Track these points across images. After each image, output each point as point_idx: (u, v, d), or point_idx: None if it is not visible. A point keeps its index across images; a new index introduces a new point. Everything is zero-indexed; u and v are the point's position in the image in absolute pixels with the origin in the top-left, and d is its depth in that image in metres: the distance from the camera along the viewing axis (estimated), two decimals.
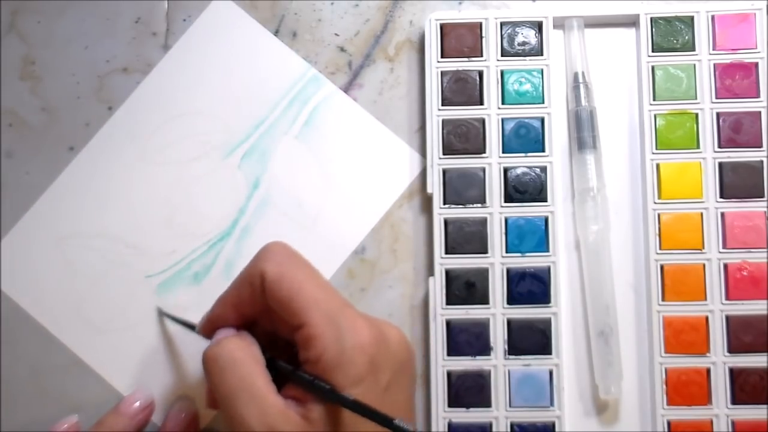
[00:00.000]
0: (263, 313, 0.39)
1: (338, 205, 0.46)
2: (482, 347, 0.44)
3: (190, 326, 0.42)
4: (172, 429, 0.44)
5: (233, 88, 0.47)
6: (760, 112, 0.45)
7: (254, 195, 0.46)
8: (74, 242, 0.47)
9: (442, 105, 0.46)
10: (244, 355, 0.38)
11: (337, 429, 0.36)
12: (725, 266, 0.44)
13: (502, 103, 0.46)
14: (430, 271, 0.45)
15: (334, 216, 0.46)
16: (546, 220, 0.45)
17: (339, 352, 0.36)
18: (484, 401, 0.44)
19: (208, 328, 0.40)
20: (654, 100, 0.45)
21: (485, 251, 0.45)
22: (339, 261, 0.46)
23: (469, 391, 0.44)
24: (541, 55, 0.46)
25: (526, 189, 0.45)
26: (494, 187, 0.45)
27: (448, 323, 0.44)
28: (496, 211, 0.45)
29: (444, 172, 0.45)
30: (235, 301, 0.39)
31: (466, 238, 0.45)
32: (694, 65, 0.45)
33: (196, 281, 0.46)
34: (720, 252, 0.44)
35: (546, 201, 0.45)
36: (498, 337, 0.44)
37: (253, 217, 0.46)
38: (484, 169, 0.45)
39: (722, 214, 0.44)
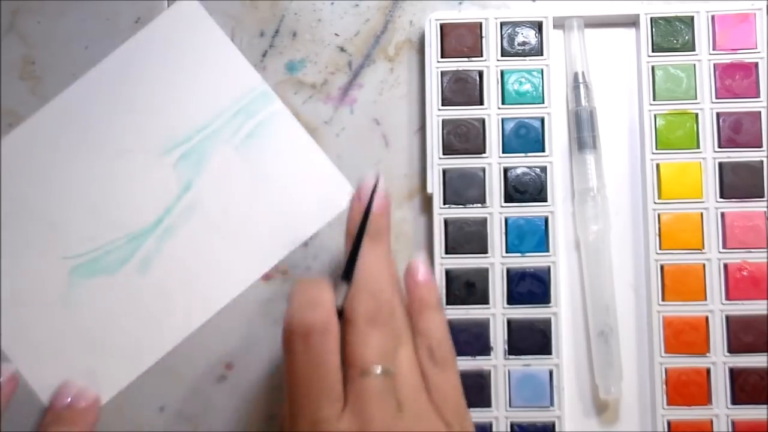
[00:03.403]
0: None
1: (262, 222, 0.46)
2: (482, 347, 0.44)
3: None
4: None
5: (183, 88, 0.47)
6: (760, 112, 0.45)
7: (184, 197, 0.46)
8: None
9: (442, 105, 0.46)
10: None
11: None
12: (725, 266, 0.44)
13: (502, 103, 0.46)
14: None
15: (256, 232, 0.46)
16: (546, 220, 0.45)
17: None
18: (484, 401, 0.44)
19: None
20: (654, 100, 0.45)
21: (485, 251, 0.45)
22: (250, 279, 0.46)
23: (469, 391, 0.44)
24: (541, 55, 0.46)
25: (526, 189, 0.45)
26: (494, 187, 0.45)
27: (448, 323, 0.44)
28: (496, 211, 0.45)
29: (444, 172, 0.45)
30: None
31: (466, 238, 0.45)
32: (694, 65, 0.45)
33: (109, 272, 0.46)
34: (720, 252, 0.44)
35: (546, 201, 0.45)
36: (498, 337, 0.44)
37: (178, 219, 0.46)
38: (484, 169, 0.45)
39: (722, 214, 0.44)
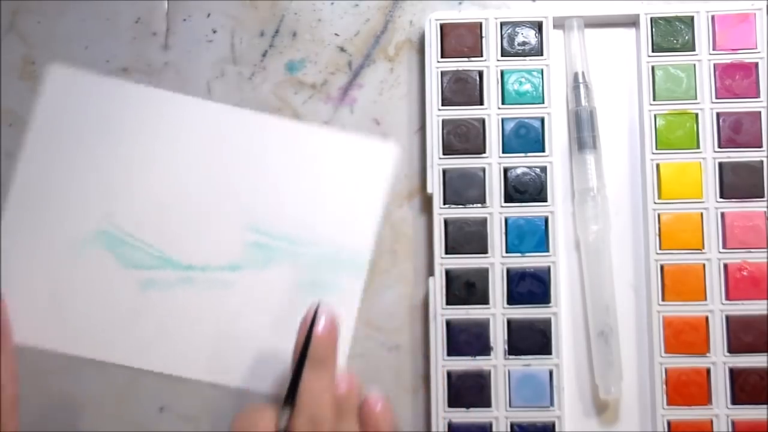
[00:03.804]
0: None
1: (273, 351, 0.46)
2: (482, 347, 0.44)
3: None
4: None
5: (316, 195, 0.46)
6: (760, 112, 0.45)
7: (222, 272, 0.46)
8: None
9: (442, 105, 0.46)
10: None
11: None
12: (725, 266, 0.44)
13: (502, 103, 0.46)
14: (430, 271, 0.45)
15: (257, 352, 0.46)
16: (546, 220, 0.45)
17: None
18: (484, 401, 0.44)
19: None
20: (654, 100, 0.45)
21: (485, 251, 0.45)
22: (223, 381, 0.46)
23: (469, 391, 0.44)
24: (541, 55, 0.46)
25: (526, 189, 0.45)
26: (494, 187, 0.45)
27: (448, 323, 0.44)
28: (496, 211, 0.45)
29: (444, 172, 0.45)
30: None
31: (466, 238, 0.45)
32: (694, 65, 0.45)
33: (117, 260, 0.46)
34: (720, 252, 0.44)
35: (546, 201, 0.45)
36: (498, 337, 0.44)
37: (203, 282, 0.46)
38: (484, 169, 0.45)
39: (722, 214, 0.44)
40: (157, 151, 0.47)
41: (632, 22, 0.46)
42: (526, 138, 0.45)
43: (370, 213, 0.46)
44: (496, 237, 0.45)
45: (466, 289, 0.44)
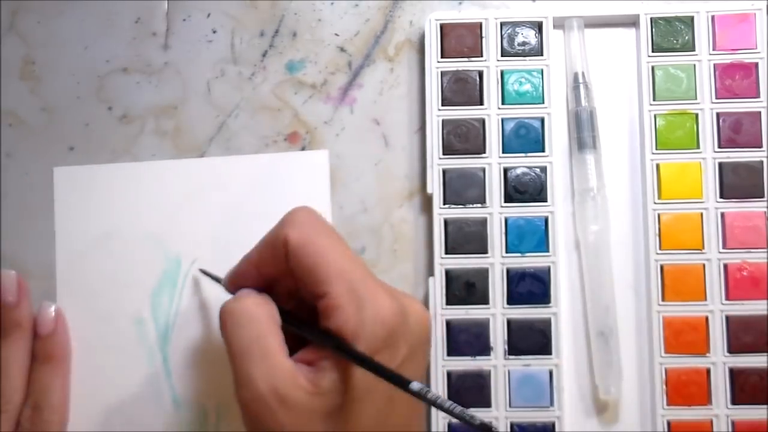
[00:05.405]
0: (287, 274, 0.39)
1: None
2: (482, 347, 0.44)
3: (218, 280, 0.43)
4: None
5: None
6: (760, 112, 0.45)
7: None
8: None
9: (442, 105, 0.46)
10: (260, 312, 0.37)
11: (345, 400, 0.36)
12: (725, 266, 0.44)
13: (502, 103, 0.46)
14: (430, 271, 0.45)
15: None
16: (546, 220, 0.45)
17: (358, 324, 0.36)
18: (484, 401, 0.44)
19: (232, 283, 0.40)
20: (654, 100, 0.45)
21: (485, 251, 0.45)
22: None
23: (469, 391, 0.44)
24: (541, 55, 0.46)
25: (526, 189, 0.45)
26: (494, 187, 0.45)
27: (448, 323, 0.44)
28: (496, 211, 0.45)
29: (444, 172, 0.45)
30: (257, 262, 0.39)
31: (466, 238, 0.45)
32: (694, 65, 0.45)
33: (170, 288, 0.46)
34: (720, 252, 0.44)
35: (546, 201, 0.45)
36: (498, 337, 0.44)
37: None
38: (484, 169, 0.45)
39: (722, 214, 0.44)
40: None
41: (632, 22, 0.46)
42: (526, 138, 0.45)
43: None
44: (496, 237, 0.45)
45: (466, 289, 0.44)
